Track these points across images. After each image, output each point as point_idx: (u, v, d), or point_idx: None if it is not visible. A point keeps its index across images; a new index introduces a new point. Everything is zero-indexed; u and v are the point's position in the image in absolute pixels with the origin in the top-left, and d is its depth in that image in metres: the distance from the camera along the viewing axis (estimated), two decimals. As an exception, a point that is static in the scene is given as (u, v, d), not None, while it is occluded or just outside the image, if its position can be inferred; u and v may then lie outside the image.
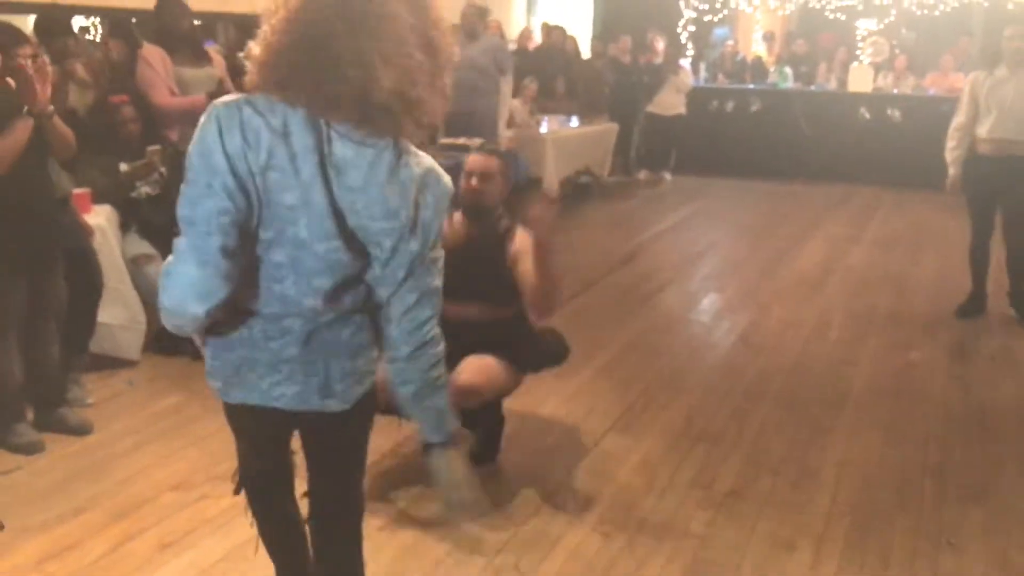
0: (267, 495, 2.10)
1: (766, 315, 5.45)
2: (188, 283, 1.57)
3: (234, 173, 1.54)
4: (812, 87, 11.01)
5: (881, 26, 11.45)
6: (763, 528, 3.07)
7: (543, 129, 8.28)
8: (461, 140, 6.90)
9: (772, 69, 11.43)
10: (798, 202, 9.25)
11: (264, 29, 1.58)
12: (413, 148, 1.68)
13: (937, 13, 11.12)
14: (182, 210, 1.58)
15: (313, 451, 1.98)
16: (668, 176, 10.39)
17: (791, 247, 7.23)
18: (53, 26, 4.96)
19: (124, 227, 4.47)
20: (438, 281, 1.77)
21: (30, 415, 3.60)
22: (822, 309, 5.60)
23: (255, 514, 2.11)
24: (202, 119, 1.57)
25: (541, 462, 3.50)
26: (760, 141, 10.49)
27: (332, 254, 1.64)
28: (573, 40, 10.65)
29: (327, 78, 1.53)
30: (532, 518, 3.09)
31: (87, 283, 3.85)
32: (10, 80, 3.24)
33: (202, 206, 1.55)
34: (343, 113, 1.56)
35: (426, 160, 1.70)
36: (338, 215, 1.62)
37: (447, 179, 1.74)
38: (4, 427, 3.45)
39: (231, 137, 1.53)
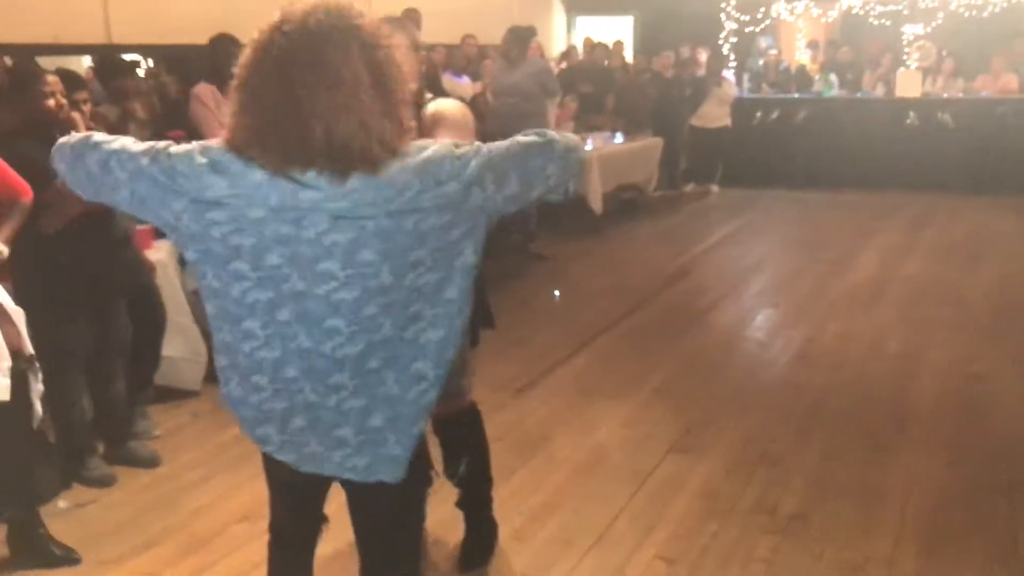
0: (292, 550, 2.05)
1: (822, 330, 5.38)
2: None
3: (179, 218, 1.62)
4: (858, 94, 10.88)
5: (928, 30, 11.28)
6: (830, 553, 3.02)
7: (587, 147, 8.29)
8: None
9: (817, 77, 11.32)
10: (849, 212, 9.13)
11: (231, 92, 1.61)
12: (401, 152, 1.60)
13: (985, 14, 10.92)
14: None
15: (361, 519, 1.88)
16: (715, 189, 10.34)
17: (844, 258, 7.13)
18: (113, 67, 5.13)
19: (183, 260, 4.57)
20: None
21: (100, 449, 3.70)
22: (879, 322, 5.51)
23: (273, 564, 2.06)
24: (188, 146, 1.62)
25: (599, 488, 3.49)
26: (807, 151, 10.38)
27: (334, 294, 1.61)
28: (620, 55, 10.67)
29: (287, 135, 1.54)
30: (594, 547, 3.08)
31: (150, 319, 3.94)
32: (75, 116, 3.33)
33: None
34: (308, 164, 1.55)
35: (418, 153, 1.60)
36: (338, 252, 1.58)
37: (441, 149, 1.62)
38: (77, 461, 3.54)
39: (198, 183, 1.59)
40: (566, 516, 3.27)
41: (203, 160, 1.59)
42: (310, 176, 1.55)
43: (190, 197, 1.60)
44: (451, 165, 1.59)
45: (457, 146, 1.64)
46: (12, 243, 2.94)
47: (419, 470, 1.92)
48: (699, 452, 3.78)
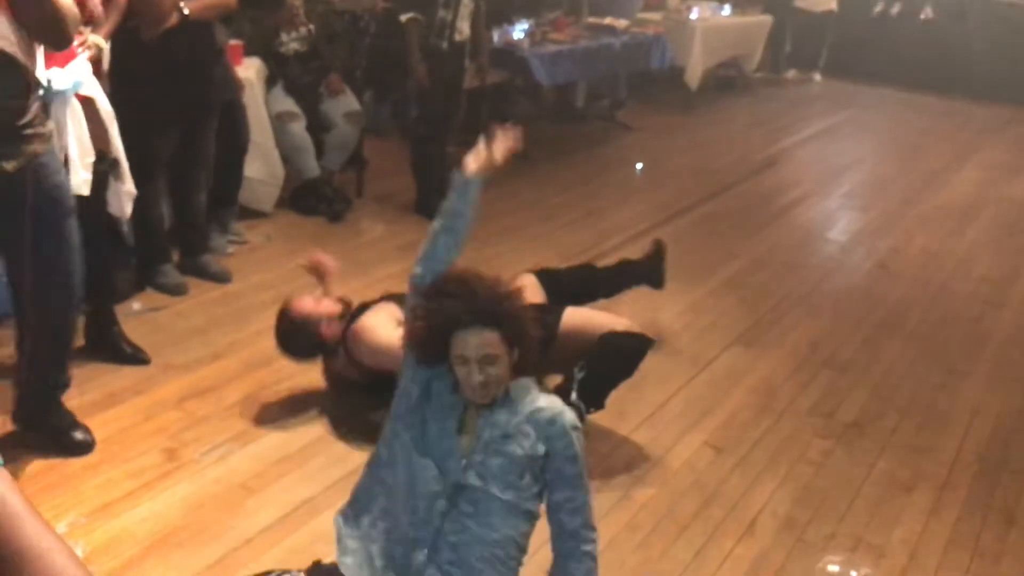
0: None
1: (909, 242, 5.17)
2: None
3: None
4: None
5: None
6: (882, 466, 2.99)
7: (693, 15, 7.85)
8: (607, 20, 6.64)
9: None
10: (957, 121, 8.61)
11: None
12: None
13: None
14: None
15: None
16: (818, 77, 9.81)
17: (944, 170, 6.77)
18: None
19: (270, 82, 4.52)
20: None
21: (175, 258, 3.77)
22: (971, 242, 5.27)
23: None
24: None
25: (657, 367, 3.43)
26: (924, 50, 9.71)
27: None
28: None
29: None
30: (644, 423, 3.09)
31: (235, 136, 3.93)
32: None
33: None
34: None
35: None
36: None
37: None
38: (152, 267, 3.63)
39: None
40: (621, 391, 3.25)
41: None
42: None
43: None
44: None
45: None
46: (110, 40, 2.90)
47: None
48: (763, 348, 3.72)
